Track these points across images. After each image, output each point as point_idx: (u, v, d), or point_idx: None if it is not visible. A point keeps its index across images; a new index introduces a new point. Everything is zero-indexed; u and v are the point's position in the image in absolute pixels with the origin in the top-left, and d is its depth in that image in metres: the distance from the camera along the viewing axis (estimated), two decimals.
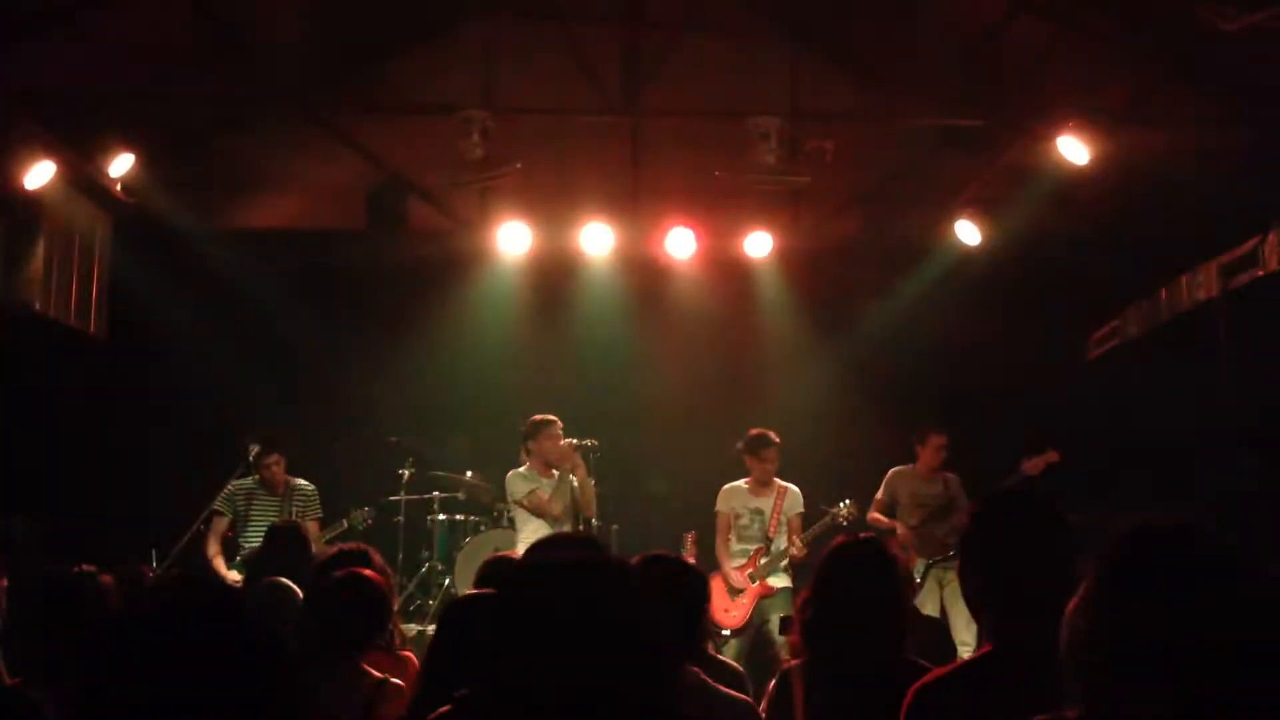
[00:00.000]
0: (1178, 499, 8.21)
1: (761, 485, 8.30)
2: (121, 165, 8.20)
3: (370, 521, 8.28)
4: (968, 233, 9.41)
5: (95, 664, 1.62)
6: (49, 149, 7.73)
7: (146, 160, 8.35)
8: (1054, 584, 2.58)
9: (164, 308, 9.15)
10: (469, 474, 9.35)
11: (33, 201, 7.99)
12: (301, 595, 4.29)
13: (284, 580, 4.32)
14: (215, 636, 1.64)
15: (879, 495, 8.68)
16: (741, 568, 8.15)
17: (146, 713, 1.56)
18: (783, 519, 8.24)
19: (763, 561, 8.14)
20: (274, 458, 7.99)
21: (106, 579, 3.64)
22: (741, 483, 8.38)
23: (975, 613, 2.77)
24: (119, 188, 8.53)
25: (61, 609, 3.34)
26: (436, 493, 9.28)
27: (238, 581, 7.28)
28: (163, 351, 9.28)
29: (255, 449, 7.93)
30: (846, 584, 3.46)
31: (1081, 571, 2.10)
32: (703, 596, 3.47)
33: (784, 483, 8.35)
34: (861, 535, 3.85)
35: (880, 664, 3.22)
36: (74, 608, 3.33)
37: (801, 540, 8.11)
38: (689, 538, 8.76)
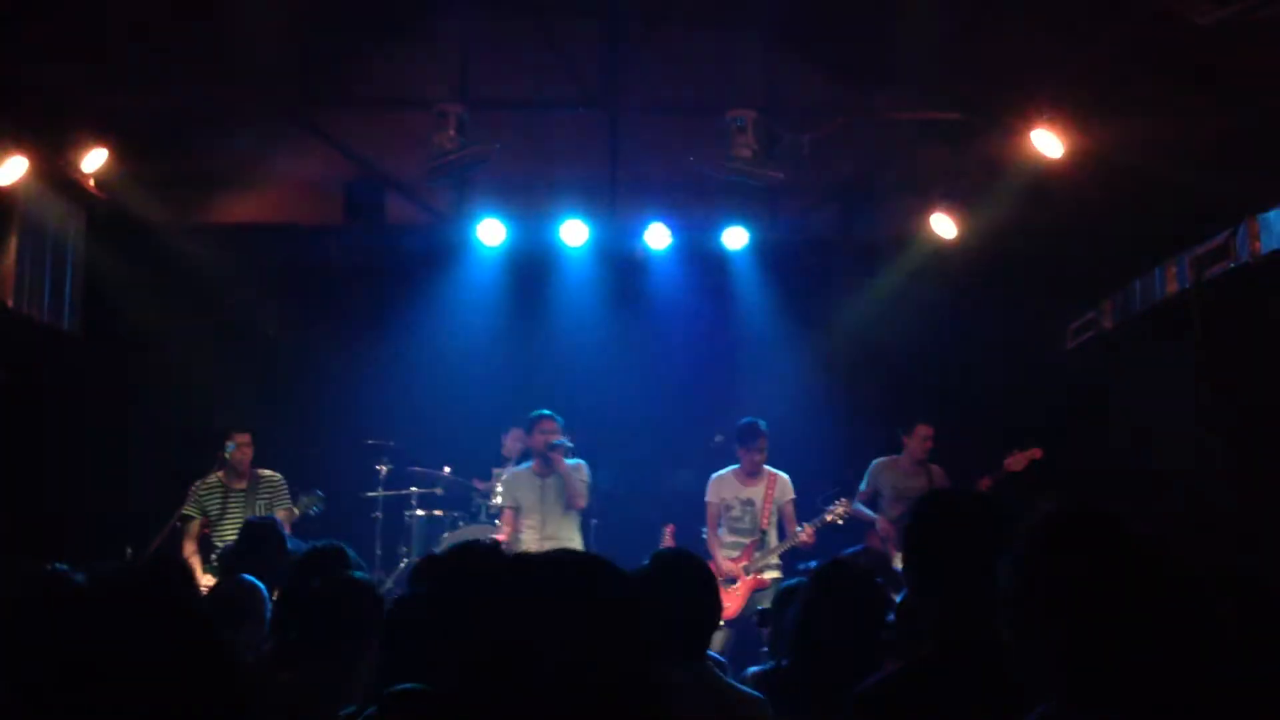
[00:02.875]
0: (1151, 489, 8.27)
1: (750, 474, 8.31)
2: (95, 160, 8.15)
3: (322, 507, 8.12)
4: (944, 226, 9.43)
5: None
6: (21, 144, 7.67)
7: (120, 155, 8.30)
8: (990, 588, 2.62)
9: (138, 304, 9.11)
10: (446, 469, 9.34)
11: (5, 197, 7.93)
12: (275, 590, 4.26)
13: (252, 579, 4.29)
14: (144, 628, 1.64)
15: (863, 487, 8.71)
16: (736, 560, 8.16)
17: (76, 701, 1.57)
18: (774, 509, 8.26)
19: (757, 554, 8.17)
20: (244, 437, 7.86)
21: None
22: (729, 472, 8.38)
23: (920, 615, 2.78)
24: (92, 183, 8.47)
25: (34, 607, 3.31)
26: (414, 488, 9.26)
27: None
28: (137, 348, 9.23)
29: (230, 436, 7.83)
30: (831, 608, 3.56)
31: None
32: (716, 588, 3.50)
33: (773, 470, 8.35)
34: (850, 552, 3.96)
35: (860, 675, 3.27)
36: (43, 604, 3.30)
37: (812, 526, 8.10)
38: (667, 530, 8.77)
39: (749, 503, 8.28)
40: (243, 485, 7.87)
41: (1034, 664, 1.96)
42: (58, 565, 3.46)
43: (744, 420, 8.39)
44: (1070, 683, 1.87)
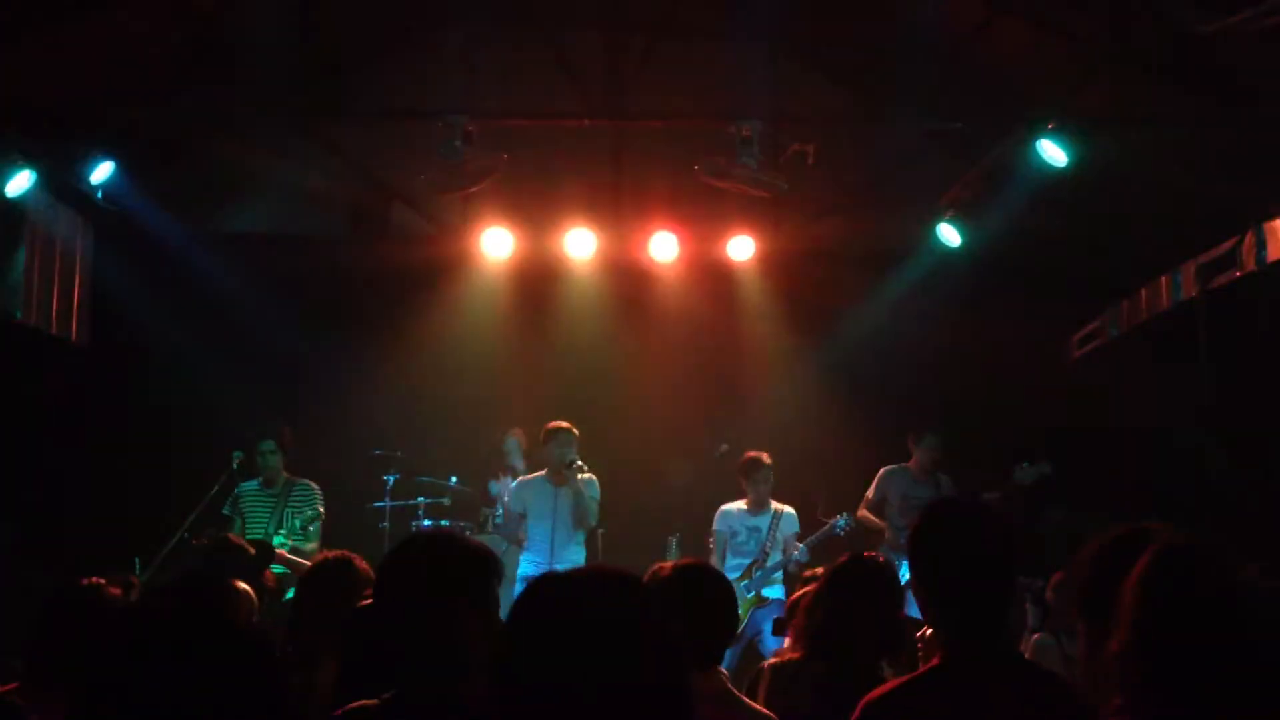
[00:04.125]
0: (1157, 498, 8.26)
1: (758, 506, 8.38)
2: (102, 172, 8.18)
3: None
4: (949, 235, 9.44)
5: (97, 669, 1.64)
6: (29, 156, 7.70)
7: (127, 167, 8.33)
8: (998, 597, 2.64)
9: (146, 314, 9.13)
10: (453, 480, 9.35)
11: (13, 209, 7.96)
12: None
13: (244, 586, 4.29)
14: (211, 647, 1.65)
15: (869, 494, 8.71)
16: (738, 579, 8.16)
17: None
18: (779, 538, 8.30)
19: (758, 573, 8.18)
20: (268, 445, 8.10)
21: (116, 590, 3.64)
22: (738, 505, 8.46)
23: (927, 624, 2.80)
24: (100, 195, 8.50)
25: (67, 619, 3.34)
26: (421, 499, 9.27)
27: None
28: (144, 358, 9.26)
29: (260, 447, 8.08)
30: (858, 599, 3.63)
31: (1026, 583, 2.23)
32: (733, 599, 3.51)
33: (780, 505, 8.39)
34: (875, 555, 4.03)
35: (865, 674, 3.29)
36: (79, 618, 3.33)
37: (806, 545, 8.17)
38: (673, 541, 8.77)
39: (755, 530, 8.34)
40: (275, 490, 8.10)
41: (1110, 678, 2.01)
42: (89, 580, 3.49)
43: (748, 455, 8.42)
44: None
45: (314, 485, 8.18)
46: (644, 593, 1.70)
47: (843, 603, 3.69)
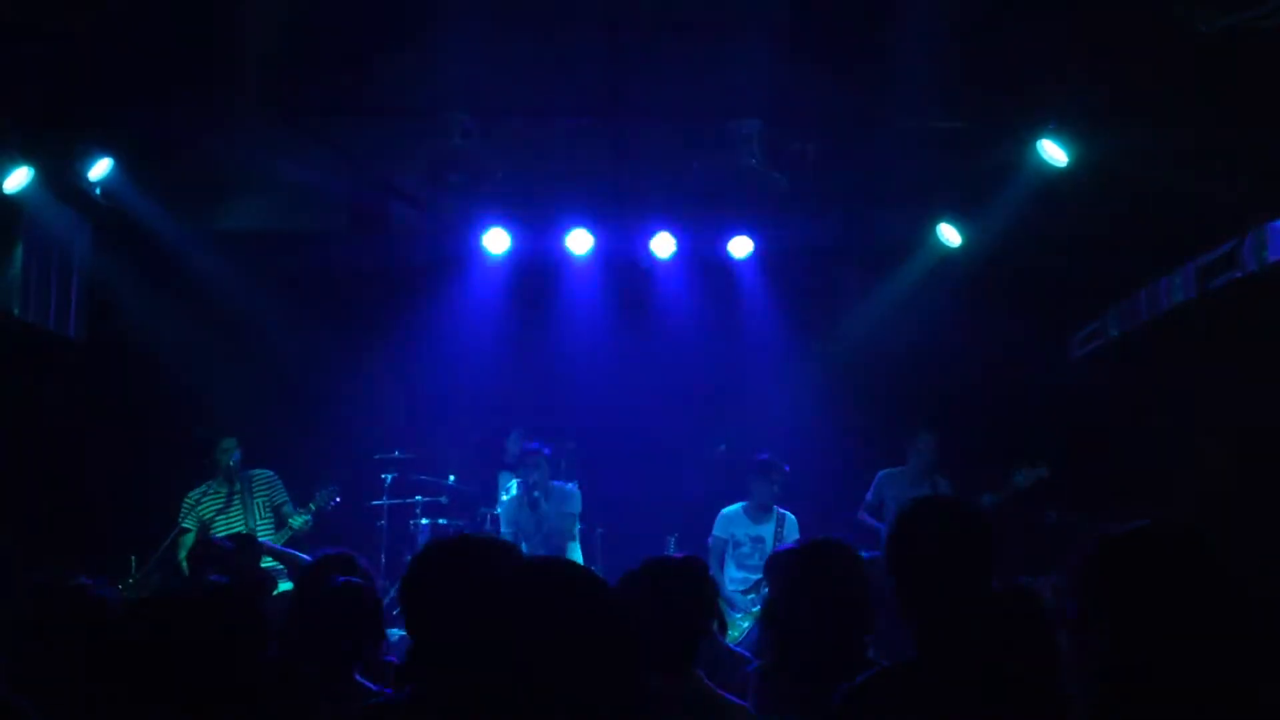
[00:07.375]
0: (1156, 499, 8.25)
1: (762, 510, 8.28)
2: (100, 169, 8.16)
3: (336, 500, 8.10)
4: (949, 234, 9.43)
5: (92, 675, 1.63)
6: (26, 153, 7.69)
7: (125, 164, 8.31)
8: (973, 593, 2.65)
9: (143, 312, 9.12)
10: (451, 478, 9.34)
11: (11, 206, 7.94)
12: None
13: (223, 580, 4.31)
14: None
15: (868, 497, 8.69)
16: (744, 591, 8.10)
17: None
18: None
19: (764, 589, 8.14)
20: (231, 441, 7.95)
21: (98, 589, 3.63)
22: (739, 508, 8.35)
23: (905, 619, 2.79)
24: (98, 191, 8.48)
25: (54, 618, 3.34)
26: (420, 497, 9.26)
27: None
28: (142, 356, 9.24)
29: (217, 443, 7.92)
30: (817, 585, 3.46)
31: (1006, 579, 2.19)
32: (707, 596, 3.38)
33: (782, 510, 8.33)
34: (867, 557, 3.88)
35: (843, 664, 3.21)
36: (67, 617, 3.33)
37: None
38: (671, 540, 8.76)
39: (759, 540, 8.24)
40: (235, 488, 7.91)
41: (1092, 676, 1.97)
42: (83, 579, 3.48)
43: (764, 456, 8.36)
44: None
45: (269, 471, 8.10)
46: (592, 587, 1.69)
47: (784, 599, 3.49)
